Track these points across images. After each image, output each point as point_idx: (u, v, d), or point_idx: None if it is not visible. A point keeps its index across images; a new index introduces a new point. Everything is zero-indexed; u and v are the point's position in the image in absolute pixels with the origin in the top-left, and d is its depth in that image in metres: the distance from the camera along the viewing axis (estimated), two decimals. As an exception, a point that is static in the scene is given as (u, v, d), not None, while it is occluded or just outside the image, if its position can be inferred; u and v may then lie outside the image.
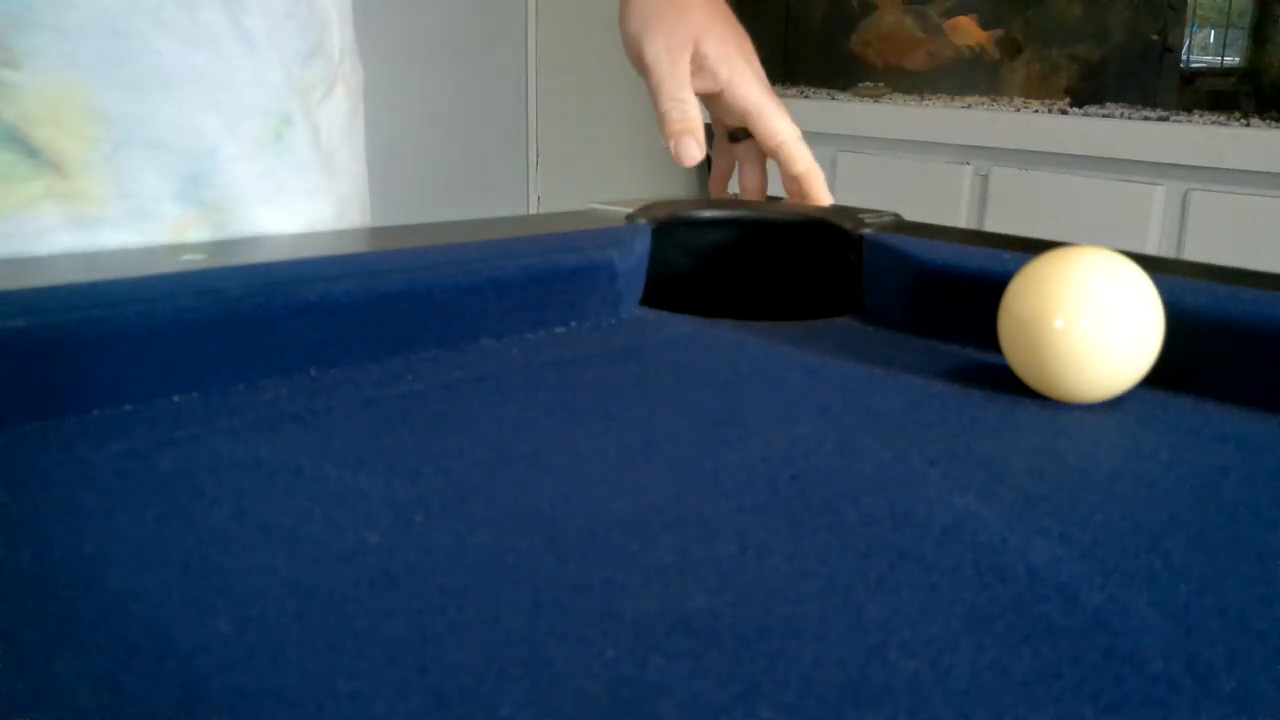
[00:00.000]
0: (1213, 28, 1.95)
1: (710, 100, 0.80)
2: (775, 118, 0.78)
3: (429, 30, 2.13)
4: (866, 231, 0.71)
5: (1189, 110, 1.87)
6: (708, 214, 0.74)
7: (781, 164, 0.79)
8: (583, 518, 0.38)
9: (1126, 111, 1.89)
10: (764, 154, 0.83)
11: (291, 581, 0.33)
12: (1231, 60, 1.92)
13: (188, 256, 0.57)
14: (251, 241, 0.65)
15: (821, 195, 0.79)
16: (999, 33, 2.01)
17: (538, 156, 2.35)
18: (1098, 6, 2.00)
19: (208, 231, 0.64)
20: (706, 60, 0.75)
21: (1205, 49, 1.97)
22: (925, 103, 2.15)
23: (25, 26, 0.57)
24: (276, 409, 0.48)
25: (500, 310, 0.60)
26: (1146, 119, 1.81)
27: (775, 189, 0.84)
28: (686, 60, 0.75)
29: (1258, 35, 1.87)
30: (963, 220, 2.03)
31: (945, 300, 0.64)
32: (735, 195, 0.86)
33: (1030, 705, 0.28)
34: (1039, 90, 2.09)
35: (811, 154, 0.80)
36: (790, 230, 0.75)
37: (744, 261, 0.75)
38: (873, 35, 2.29)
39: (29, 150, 0.59)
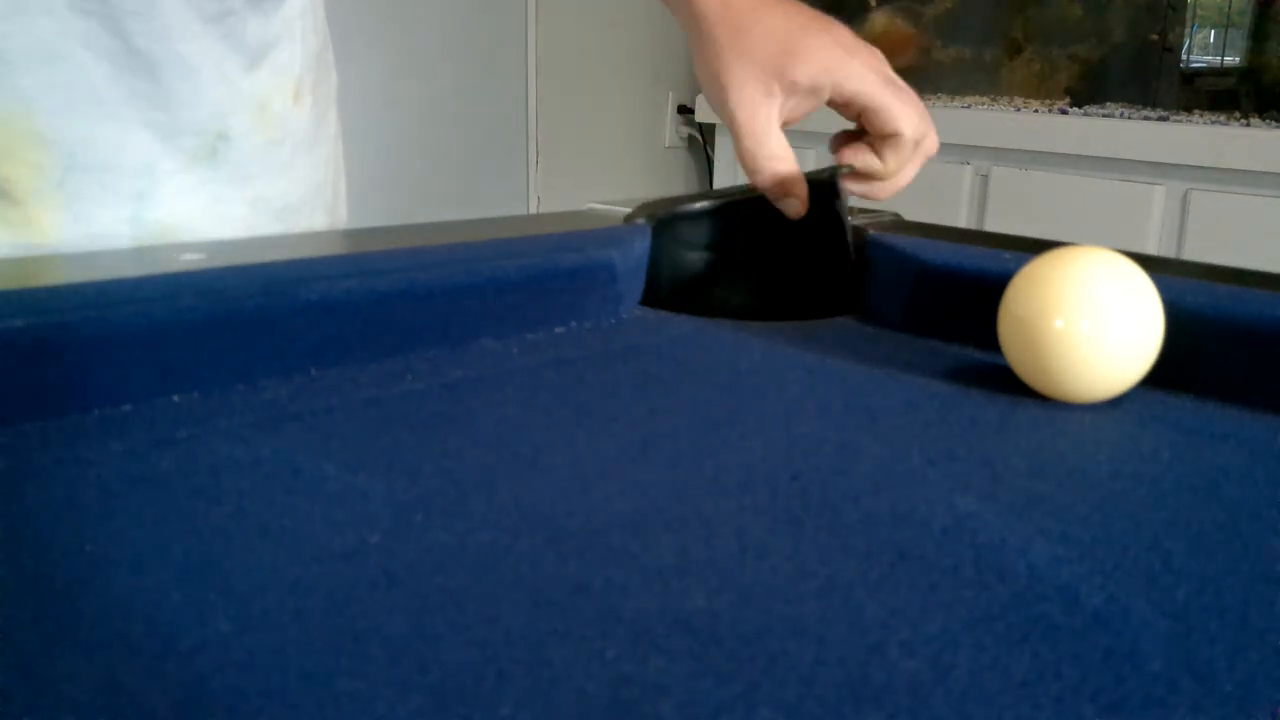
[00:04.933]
0: (1213, 28, 1.95)
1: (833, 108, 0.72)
2: (894, 114, 0.70)
3: (430, 30, 2.13)
4: (866, 231, 0.71)
5: (1189, 110, 1.87)
6: (705, 205, 0.74)
7: (881, 156, 0.71)
8: (583, 518, 0.38)
9: (1126, 111, 1.89)
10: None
11: (291, 581, 0.33)
12: (1231, 60, 1.92)
13: (188, 256, 0.57)
14: (251, 241, 0.65)
15: (878, 194, 0.71)
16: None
17: (538, 156, 2.34)
18: (1098, 6, 2.00)
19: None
20: (798, 85, 0.68)
21: (1205, 49, 1.97)
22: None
23: None
24: (276, 409, 0.48)
25: (500, 310, 0.60)
26: (1146, 119, 1.81)
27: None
28: (769, 107, 0.68)
29: (1258, 35, 1.87)
30: (963, 220, 2.02)
31: (945, 300, 0.64)
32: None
33: (1030, 705, 0.28)
34: (1039, 90, 2.09)
35: (918, 166, 0.72)
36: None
37: (744, 257, 0.74)
38: (866, 37, 2.29)
39: None
